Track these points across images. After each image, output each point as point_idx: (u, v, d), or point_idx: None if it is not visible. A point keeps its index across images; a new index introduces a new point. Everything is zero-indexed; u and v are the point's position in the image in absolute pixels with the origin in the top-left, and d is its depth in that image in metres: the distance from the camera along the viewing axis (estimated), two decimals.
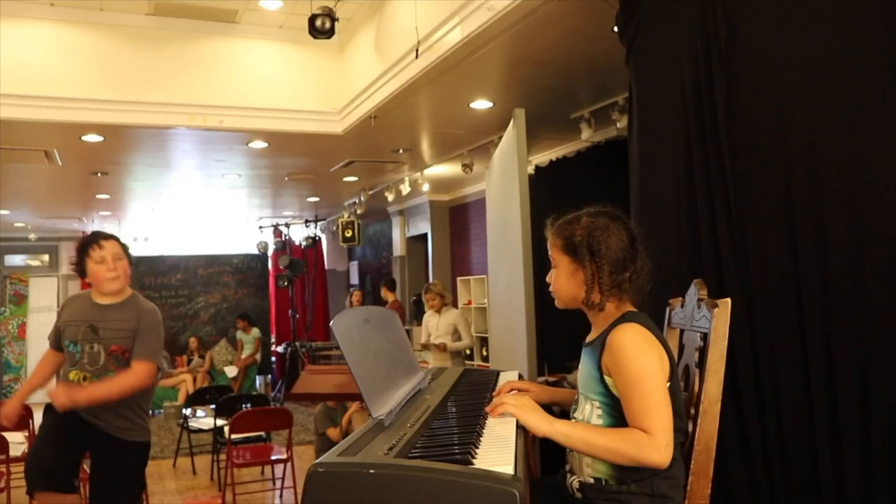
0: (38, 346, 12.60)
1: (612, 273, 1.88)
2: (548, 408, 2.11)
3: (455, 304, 9.96)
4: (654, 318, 1.93)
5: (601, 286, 1.88)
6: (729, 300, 1.87)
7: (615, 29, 3.37)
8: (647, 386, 1.74)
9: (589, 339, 1.98)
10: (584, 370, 1.94)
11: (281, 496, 5.57)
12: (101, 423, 3.43)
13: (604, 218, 1.93)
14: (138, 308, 3.62)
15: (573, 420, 1.97)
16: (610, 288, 1.89)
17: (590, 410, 1.88)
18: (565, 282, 1.95)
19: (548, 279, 2.03)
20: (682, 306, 2.16)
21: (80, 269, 3.63)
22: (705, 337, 1.90)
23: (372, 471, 1.29)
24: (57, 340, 3.63)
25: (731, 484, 2.49)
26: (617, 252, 1.89)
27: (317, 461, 1.34)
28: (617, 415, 1.82)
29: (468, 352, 9.97)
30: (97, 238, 3.61)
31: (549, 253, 2.01)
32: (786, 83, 2.40)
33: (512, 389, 2.21)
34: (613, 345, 1.80)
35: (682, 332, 2.16)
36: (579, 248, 1.90)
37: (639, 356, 1.77)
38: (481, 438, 1.62)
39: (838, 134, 2.28)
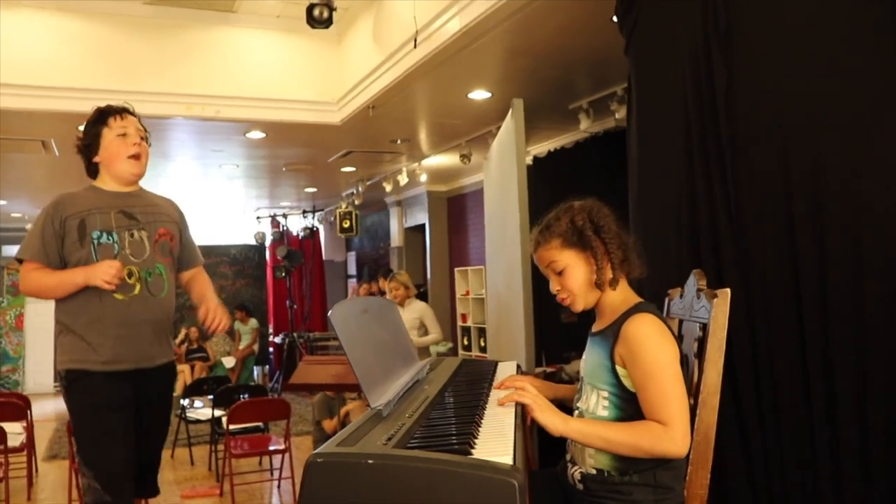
0: (35, 336, 12.60)
1: (619, 246, 1.88)
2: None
3: (452, 296, 9.96)
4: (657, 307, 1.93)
5: (612, 260, 1.87)
6: (728, 290, 1.86)
7: (615, 19, 3.36)
8: (665, 377, 1.73)
9: (596, 328, 1.97)
10: (593, 360, 1.92)
11: (279, 486, 5.58)
12: (158, 360, 2.87)
13: (591, 200, 1.94)
14: (163, 198, 3.07)
15: (576, 409, 1.96)
16: (621, 262, 1.88)
17: (595, 401, 1.87)
18: (583, 274, 1.90)
19: (554, 289, 1.96)
20: (681, 297, 2.15)
21: (90, 143, 2.87)
22: (704, 327, 1.90)
23: (370, 461, 1.29)
24: (58, 246, 2.76)
25: (729, 473, 2.49)
26: (614, 226, 1.90)
27: (315, 451, 1.34)
28: (625, 406, 1.81)
29: (466, 342, 9.96)
30: (120, 108, 2.92)
31: (547, 262, 1.94)
32: (786, 73, 2.39)
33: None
34: (629, 335, 1.79)
35: (680, 322, 2.16)
36: (584, 231, 1.88)
37: (656, 347, 1.76)
38: (480, 429, 1.62)
39: (838, 126, 2.27)
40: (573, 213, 1.92)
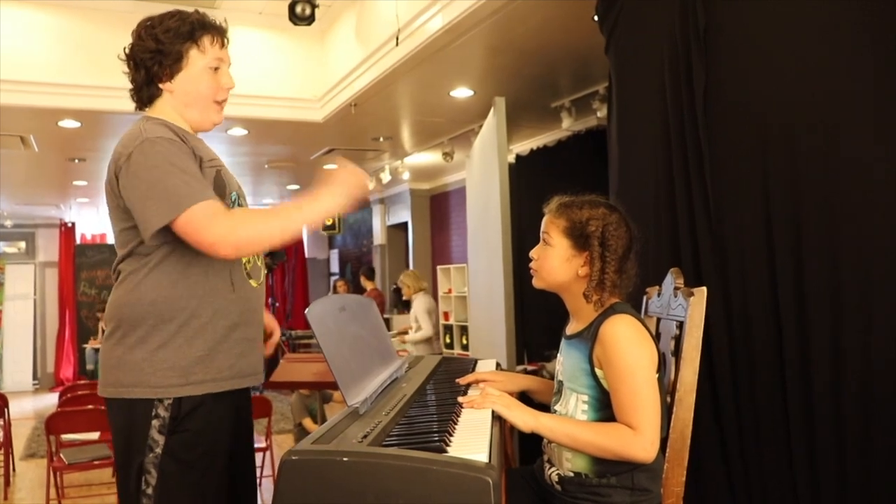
0: (15, 333, 12.51)
1: (616, 271, 1.84)
2: (524, 398, 2.10)
3: (434, 294, 9.97)
4: (632, 306, 1.93)
5: (605, 282, 1.84)
6: (704, 289, 1.87)
7: (595, 18, 3.37)
8: (638, 380, 1.72)
9: (571, 331, 1.95)
10: (571, 363, 1.90)
11: (260, 485, 5.56)
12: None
13: (617, 214, 1.89)
14: None
15: (553, 411, 1.95)
16: (612, 286, 1.84)
17: (574, 404, 1.86)
18: (557, 265, 1.89)
19: (533, 254, 1.95)
20: (659, 295, 2.16)
21: (163, 61, 1.94)
22: (681, 325, 1.90)
23: (345, 458, 1.28)
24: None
25: (706, 471, 2.50)
26: (621, 251, 1.86)
27: (290, 449, 1.33)
28: (604, 408, 1.80)
29: (448, 340, 9.97)
30: (218, 26, 2.05)
31: (544, 229, 1.93)
32: (764, 72, 2.41)
33: (477, 382, 2.11)
34: (606, 336, 1.77)
35: (658, 320, 2.17)
36: (591, 238, 1.85)
37: (632, 349, 1.75)
38: (456, 426, 1.61)
39: (815, 125, 2.29)
40: (594, 215, 1.87)
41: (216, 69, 2.01)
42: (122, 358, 1.84)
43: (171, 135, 1.84)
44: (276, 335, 2.25)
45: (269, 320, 2.23)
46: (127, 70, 2.01)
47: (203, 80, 1.99)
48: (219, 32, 2.03)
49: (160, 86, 1.97)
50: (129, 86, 2.01)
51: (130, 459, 1.83)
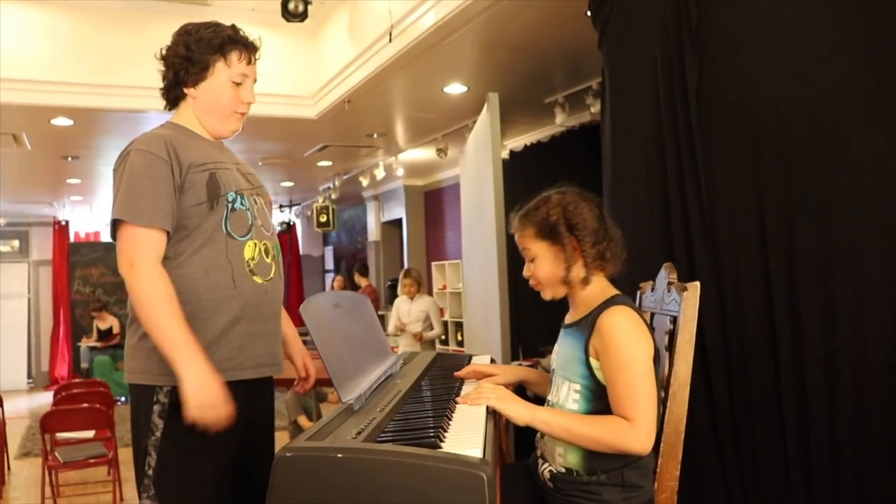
0: (9, 332, 12.47)
1: (594, 244, 1.86)
2: (521, 390, 2.11)
3: (430, 291, 9.98)
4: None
5: (585, 258, 1.86)
6: (698, 284, 1.88)
7: (588, 13, 3.37)
8: (635, 372, 1.72)
9: (570, 320, 1.96)
10: (566, 352, 1.90)
11: None
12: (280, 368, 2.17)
13: (571, 194, 1.92)
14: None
15: (548, 402, 1.96)
16: (594, 259, 1.86)
17: (566, 393, 1.86)
18: (550, 268, 1.90)
19: (526, 274, 1.96)
20: (653, 290, 2.17)
21: (191, 68, 2.07)
22: (675, 320, 1.91)
23: (339, 455, 1.29)
24: (172, 209, 1.95)
25: (700, 466, 2.51)
26: (592, 223, 1.87)
27: (284, 446, 1.34)
28: (596, 399, 1.80)
29: (442, 337, 10.00)
30: (249, 42, 2.18)
31: (522, 247, 1.96)
32: (756, 67, 2.41)
33: (475, 374, 2.14)
34: (604, 327, 1.77)
35: (652, 315, 2.18)
36: (557, 226, 1.87)
37: (629, 341, 1.75)
38: (450, 422, 1.62)
39: (808, 120, 2.30)
40: (549, 206, 1.90)
41: (239, 84, 2.13)
42: (135, 346, 1.98)
43: (161, 149, 1.96)
44: (311, 379, 2.36)
45: (306, 362, 2.34)
46: (162, 69, 2.13)
47: (224, 92, 2.11)
48: (248, 49, 2.16)
49: (185, 90, 2.10)
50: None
51: (139, 441, 1.98)
